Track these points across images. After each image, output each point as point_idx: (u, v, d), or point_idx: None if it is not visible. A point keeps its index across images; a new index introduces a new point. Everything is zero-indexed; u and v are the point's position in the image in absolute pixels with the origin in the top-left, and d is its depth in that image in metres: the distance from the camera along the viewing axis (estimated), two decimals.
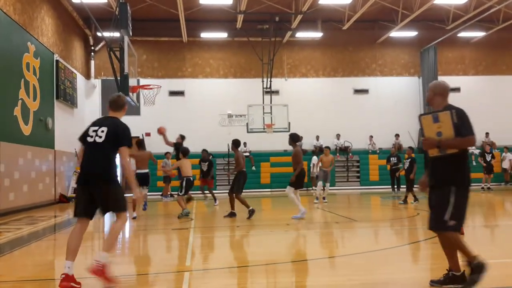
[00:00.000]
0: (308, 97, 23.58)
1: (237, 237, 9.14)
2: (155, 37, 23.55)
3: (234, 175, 11.89)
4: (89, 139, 5.24)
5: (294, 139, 11.09)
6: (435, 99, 5.02)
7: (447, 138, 4.60)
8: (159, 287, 5.24)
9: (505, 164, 22.38)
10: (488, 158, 20.55)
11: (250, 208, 11.18)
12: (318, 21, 23.20)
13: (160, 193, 19.98)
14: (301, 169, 10.97)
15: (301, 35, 23.43)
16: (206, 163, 17.25)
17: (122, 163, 5.29)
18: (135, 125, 22.83)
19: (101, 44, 22.93)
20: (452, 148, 4.63)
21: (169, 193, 19.51)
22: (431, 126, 4.73)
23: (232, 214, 11.54)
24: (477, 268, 4.53)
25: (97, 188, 5.09)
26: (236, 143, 12.07)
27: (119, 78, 13.58)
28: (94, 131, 5.25)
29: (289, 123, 21.04)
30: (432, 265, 6.10)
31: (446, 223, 4.55)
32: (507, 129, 24.06)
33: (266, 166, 23.30)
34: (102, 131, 5.20)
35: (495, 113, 24.46)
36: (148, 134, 23.26)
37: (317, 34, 23.54)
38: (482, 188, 20.20)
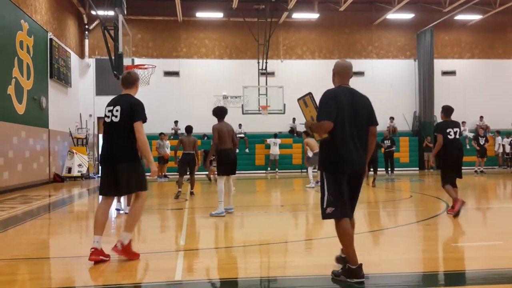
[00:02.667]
0: (303, 79, 23.47)
1: (231, 218, 9.19)
2: (150, 16, 23.31)
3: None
4: (106, 119, 5.39)
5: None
6: (334, 79, 4.76)
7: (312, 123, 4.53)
8: (154, 266, 5.28)
9: (501, 148, 22.50)
10: (482, 141, 20.63)
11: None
12: (315, 2, 23.02)
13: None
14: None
15: (297, 16, 23.26)
16: None
17: (139, 138, 5.33)
18: None
19: (96, 22, 22.68)
20: (316, 132, 4.55)
21: (163, 173, 19.53)
22: (305, 110, 4.68)
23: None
24: (348, 271, 4.37)
25: (117, 168, 5.26)
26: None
27: (113, 58, 13.48)
28: (109, 111, 5.39)
29: (284, 105, 21.00)
30: (424, 246, 6.17)
31: (324, 211, 4.45)
32: (502, 113, 24.14)
33: (261, 148, 23.33)
34: (117, 110, 5.32)
35: (490, 97, 24.52)
36: None
37: (313, 15, 23.38)
38: (475, 171, 20.34)
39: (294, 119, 23.35)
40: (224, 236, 7.34)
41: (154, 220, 9.07)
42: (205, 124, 23.04)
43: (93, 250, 5.17)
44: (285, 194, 13.55)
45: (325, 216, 4.43)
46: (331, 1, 22.87)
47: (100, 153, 5.43)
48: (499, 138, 22.56)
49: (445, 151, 8.25)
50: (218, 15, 23.28)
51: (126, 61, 14.05)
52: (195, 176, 12.72)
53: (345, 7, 22.28)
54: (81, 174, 19.53)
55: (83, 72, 23.10)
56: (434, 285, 4.30)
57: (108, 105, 5.46)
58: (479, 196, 12.44)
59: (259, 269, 5.23)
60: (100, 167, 5.64)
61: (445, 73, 24.84)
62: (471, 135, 22.60)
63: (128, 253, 5.34)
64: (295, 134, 23.59)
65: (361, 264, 4.36)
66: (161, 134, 19.59)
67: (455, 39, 25.35)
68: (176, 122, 22.97)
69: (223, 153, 8.82)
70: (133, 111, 5.31)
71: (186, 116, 23.03)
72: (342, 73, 4.69)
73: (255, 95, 21.57)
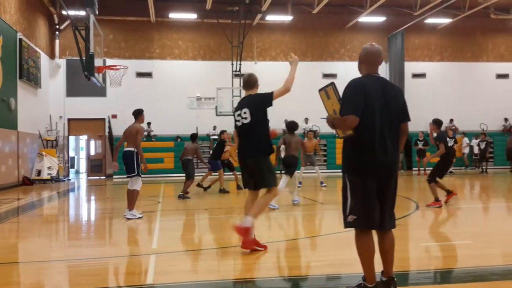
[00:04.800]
0: (277, 81, 23.17)
1: (204, 220, 9.16)
2: (122, 16, 23.05)
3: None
4: (238, 124, 5.88)
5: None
6: (360, 67, 4.09)
7: (334, 118, 3.89)
8: (126, 270, 5.22)
9: (467, 149, 23.00)
10: (451, 143, 21.01)
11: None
12: (288, 4, 23.15)
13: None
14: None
15: (271, 18, 23.35)
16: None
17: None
18: (101, 106, 22.68)
19: (66, 23, 22.29)
20: (338, 128, 3.90)
21: None
22: (326, 102, 4.04)
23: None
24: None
25: (249, 165, 5.86)
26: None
27: (84, 58, 13.27)
28: (238, 115, 5.86)
29: None
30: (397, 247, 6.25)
31: (345, 218, 3.93)
32: (471, 115, 24.73)
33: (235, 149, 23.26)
34: (245, 113, 5.77)
35: (459, 99, 25.10)
36: (114, 116, 22.92)
37: (287, 18, 23.51)
38: None
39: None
40: (197, 238, 7.31)
41: (126, 223, 8.97)
42: (178, 126, 23.02)
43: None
44: None
45: (346, 224, 3.91)
46: (305, 3, 23.05)
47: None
48: (466, 139, 23.08)
49: (448, 157, 9.99)
50: (191, 16, 23.18)
51: (98, 62, 13.85)
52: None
53: (318, 9, 22.48)
54: (51, 177, 19.15)
55: (54, 72, 22.68)
56: (404, 284, 4.37)
57: (236, 110, 6.01)
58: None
59: (233, 271, 5.22)
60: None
61: (415, 75, 25.30)
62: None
63: (245, 236, 5.66)
64: None
65: (378, 283, 3.91)
66: None
67: (425, 42, 25.85)
68: (149, 123, 22.75)
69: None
70: (259, 105, 5.84)
71: (159, 117, 22.87)
72: (369, 61, 4.02)
73: (229, 96, 21.56)
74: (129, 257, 5.80)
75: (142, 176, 8.74)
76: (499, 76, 26.14)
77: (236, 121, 5.94)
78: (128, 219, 8.62)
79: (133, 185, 8.75)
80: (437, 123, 10.07)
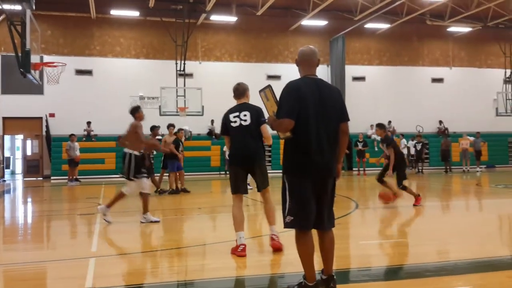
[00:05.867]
0: (222, 81, 23.37)
1: (146, 222, 9.00)
2: (61, 12, 22.23)
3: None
4: (234, 125, 5.85)
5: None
6: (299, 69, 4.14)
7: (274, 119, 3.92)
8: (64, 273, 5.05)
9: (405, 150, 23.82)
10: None
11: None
12: (233, 5, 23.18)
13: (66, 177, 19.07)
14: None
15: (215, 18, 23.29)
16: None
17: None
18: (37, 104, 21.80)
19: (1, 17, 21.22)
20: (277, 130, 3.93)
21: (74, 177, 18.69)
22: (266, 104, 4.08)
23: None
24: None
25: (253, 167, 5.88)
26: None
27: (20, 54, 12.70)
28: (235, 117, 5.86)
29: (203, 107, 20.97)
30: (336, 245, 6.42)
31: (284, 219, 3.99)
32: (408, 117, 25.73)
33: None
34: (245, 115, 5.83)
35: (397, 102, 26.04)
36: (52, 115, 22.09)
37: (231, 18, 23.53)
38: None
39: (212, 121, 23.33)
40: (138, 241, 7.18)
41: (64, 225, 8.68)
42: (120, 125, 22.36)
43: (243, 246, 5.56)
44: (204, 197, 13.50)
45: (285, 224, 3.97)
46: (249, 5, 23.16)
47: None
48: (403, 141, 23.97)
49: (402, 159, 10.50)
50: (134, 13, 22.70)
51: (34, 58, 13.29)
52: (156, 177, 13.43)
53: (262, 11, 22.66)
54: None
55: None
56: (344, 282, 4.49)
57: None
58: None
59: (174, 273, 5.17)
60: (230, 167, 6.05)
61: (355, 78, 26.00)
62: (378, 138, 23.80)
63: (280, 247, 5.71)
64: (213, 137, 23.56)
65: (318, 281, 3.99)
66: (71, 135, 18.69)
67: (365, 47, 26.65)
68: (89, 123, 22.09)
69: None
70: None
71: (100, 117, 22.26)
72: (305, 62, 4.06)
73: (173, 96, 21.31)
74: (67, 260, 5.61)
75: (134, 178, 7.98)
76: (434, 80, 27.36)
77: (231, 122, 5.86)
78: (142, 222, 8.09)
79: (140, 188, 8.17)
80: (381, 126, 10.44)
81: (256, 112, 5.87)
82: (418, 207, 9.78)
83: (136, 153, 8.09)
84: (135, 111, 8.33)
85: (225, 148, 14.35)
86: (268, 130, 5.71)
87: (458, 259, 5.46)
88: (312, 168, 3.86)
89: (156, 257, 5.91)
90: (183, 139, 14.57)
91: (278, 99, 3.95)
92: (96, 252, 6.02)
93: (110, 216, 8.08)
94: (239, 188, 5.87)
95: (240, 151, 5.83)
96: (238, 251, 5.55)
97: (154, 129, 12.77)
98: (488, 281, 4.61)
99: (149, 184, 8.41)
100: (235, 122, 5.87)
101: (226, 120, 5.94)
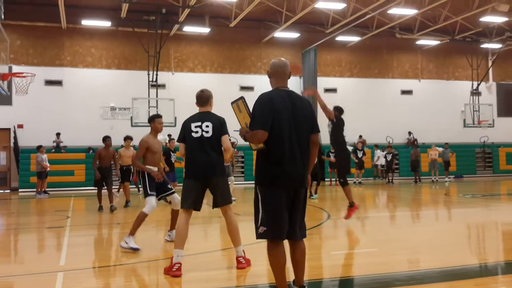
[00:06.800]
0: (195, 92, 23.16)
1: (115, 235, 8.86)
2: (31, 21, 21.85)
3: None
4: (195, 135, 5.56)
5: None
6: (270, 81, 4.19)
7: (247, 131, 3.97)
8: None
9: (379, 161, 24.10)
10: (360, 154, 22.12)
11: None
12: (206, 16, 23.23)
13: (34, 189, 18.63)
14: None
15: (188, 29, 23.28)
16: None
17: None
18: (5, 115, 21.30)
19: None
20: (250, 142, 3.97)
21: (43, 189, 18.27)
22: (239, 115, 4.13)
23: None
24: None
25: (212, 183, 5.58)
26: None
27: None
28: (197, 127, 5.59)
29: (176, 118, 20.83)
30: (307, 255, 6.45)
31: (257, 230, 4.01)
32: (378, 128, 26.12)
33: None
34: (207, 126, 5.57)
35: (367, 113, 26.39)
36: (20, 126, 21.62)
37: (204, 30, 23.56)
38: (354, 182, 21.72)
39: None
40: (108, 254, 7.05)
41: (32, 239, 8.47)
42: (90, 137, 22.09)
43: (178, 265, 5.21)
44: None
45: (258, 235, 3.97)
46: (222, 16, 23.25)
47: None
48: (378, 151, 24.30)
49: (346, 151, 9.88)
50: (105, 23, 22.48)
51: (3, 69, 13.05)
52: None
53: (235, 23, 22.78)
54: None
55: None
56: None
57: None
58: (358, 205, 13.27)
59: (145, 287, 5.10)
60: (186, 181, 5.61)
61: (327, 90, 26.26)
62: (350, 148, 24.07)
63: (247, 261, 5.55)
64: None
65: None
66: (40, 147, 18.25)
67: (336, 59, 27.03)
68: (58, 134, 21.68)
69: None
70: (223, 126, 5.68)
71: (70, 128, 21.91)
72: (276, 74, 4.12)
73: (145, 107, 21.11)
74: (35, 275, 5.48)
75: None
76: (404, 92, 27.90)
77: (192, 132, 5.53)
78: (121, 246, 6.76)
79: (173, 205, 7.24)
80: (336, 109, 9.62)
81: (219, 123, 5.62)
82: (349, 220, 9.09)
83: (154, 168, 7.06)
84: (150, 121, 7.30)
85: (177, 154, 14.00)
86: (228, 141, 5.59)
87: (428, 268, 5.55)
88: (285, 179, 3.90)
89: (127, 270, 5.82)
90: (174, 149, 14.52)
91: (251, 110, 3.98)
92: (65, 266, 5.89)
93: (133, 241, 6.72)
94: (195, 204, 5.53)
95: (199, 165, 5.48)
96: (173, 271, 5.17)
97: (106, 140, 12.47)
98: None
99: (178, 199, 6.94)
100: (196, 132, 5.55)
101: (185, 129, 5.63)
